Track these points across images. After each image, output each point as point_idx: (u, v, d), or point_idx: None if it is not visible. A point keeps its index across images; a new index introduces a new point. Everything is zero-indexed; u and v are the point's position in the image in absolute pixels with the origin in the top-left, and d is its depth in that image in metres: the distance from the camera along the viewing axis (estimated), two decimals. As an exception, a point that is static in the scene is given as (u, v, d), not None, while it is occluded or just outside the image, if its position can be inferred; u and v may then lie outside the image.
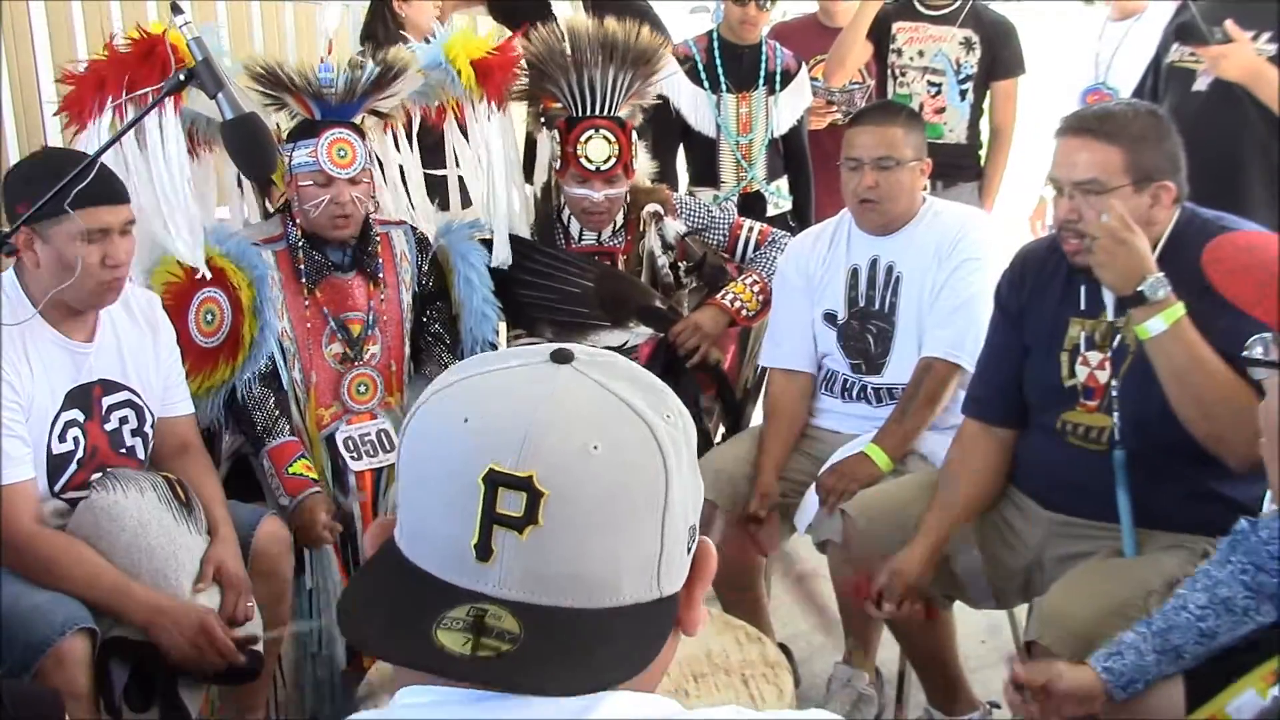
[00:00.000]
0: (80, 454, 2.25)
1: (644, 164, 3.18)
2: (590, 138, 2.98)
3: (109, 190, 2.19)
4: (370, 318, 2.79)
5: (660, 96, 3.50)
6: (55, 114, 2.60)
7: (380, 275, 2.82)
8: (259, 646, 2.25)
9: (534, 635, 0.75)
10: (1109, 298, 2.15)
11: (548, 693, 0.75)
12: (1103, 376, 2.19)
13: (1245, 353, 1.11)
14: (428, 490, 0.79)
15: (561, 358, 0.82)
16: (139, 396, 2.36)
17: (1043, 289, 2.29)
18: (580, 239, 3.15)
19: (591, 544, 0.77)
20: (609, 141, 2.98)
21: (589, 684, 0.75)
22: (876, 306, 2.81)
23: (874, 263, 2.81)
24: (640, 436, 0.79)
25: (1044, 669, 1.84)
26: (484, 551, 0.76)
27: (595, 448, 0.77)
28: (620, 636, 0.77)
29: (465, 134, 3.06)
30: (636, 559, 0.79)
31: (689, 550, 0.83)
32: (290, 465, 2.59)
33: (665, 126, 3.61)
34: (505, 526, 0.75)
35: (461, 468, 0.77)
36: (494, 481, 0.76)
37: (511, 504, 0.75)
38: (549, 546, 0.76)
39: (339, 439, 2.72)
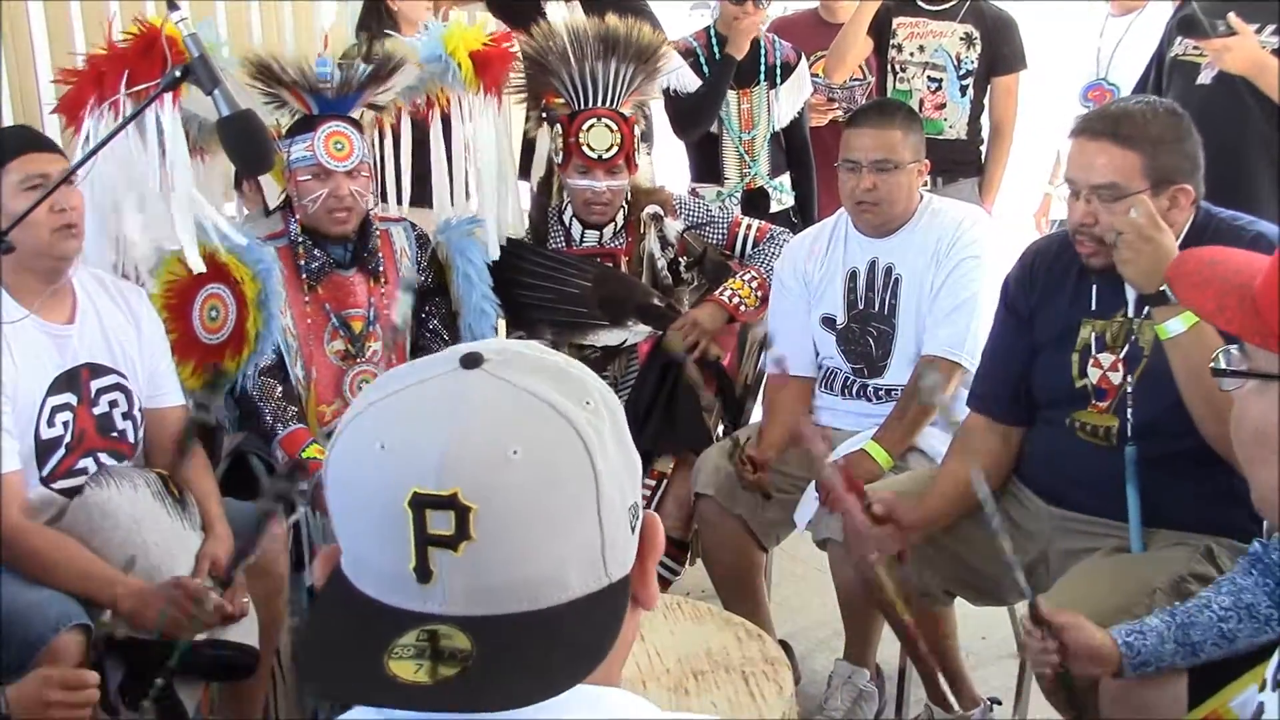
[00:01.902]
0: (68, 438, 2.24)
1: (645, 165, 3.18)
2: (592, 126, 2.97)
3: (38, 140, 2.24)
4: (372, 314, 2.79)
5: (667, 92, 3.51)
6: (52, 112, 2.59)
7: (381, 272, 2.81)
8: (254, 642, 2.24)
9: (486, 650, 0.74)
10: (1131, 295, 2.14)
11: (509, 706, 0.74)
12: (1115, 378, 2.17)
13: (1212, 364, 1.10)
14: (358, 520, 0.78)
15: (471, 362, 0.80)
16: (126, 380, 2.35)
17: (1054, 289, 2.27)
18: (581, 240, 3.14)
19: (529, 548, 0.76)
20: (611, 130, 2.98)
21: (550, 688, 0.74)
22: (876, 309, 2.80)
23: (873, 264, 2.79)
24: (560, 432, 0.78)
25: (1069, 614, 1.82)
26: (423, 574, 0.75)
27: (515, 453, 0.76)
28: (576, 630, 0.77)
29: (448, 129, 3.06)
30: (579, 552, 0.78)
31: (634, 529, 0.83)
32: (303, 451, 2.59)
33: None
34: (439, 546, 0.75)
35: (385, 495, 0.76)
36: (420, 504, 0.75)
37: (441, 523, 0.75)
38: (486, 558, 0.75)
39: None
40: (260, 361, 2.65)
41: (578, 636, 0.77)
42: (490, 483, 0.75)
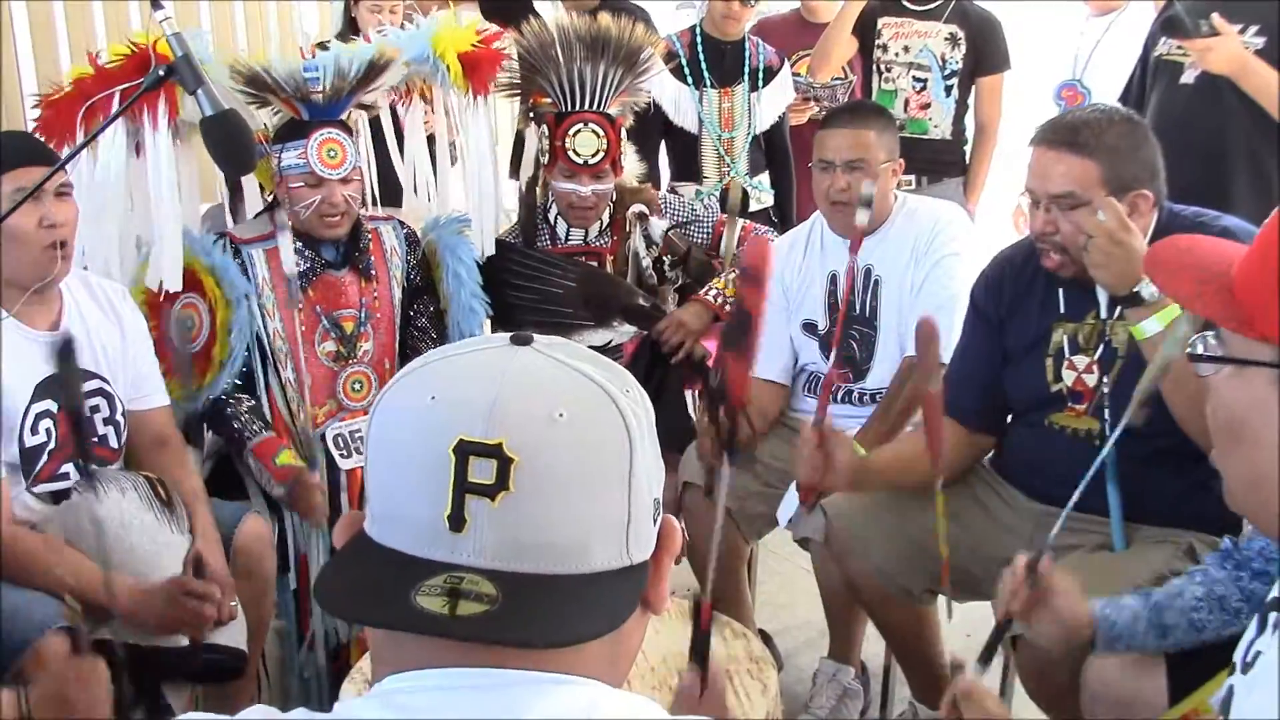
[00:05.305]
0: (51, 445, 2.23)
1: (632, 165, 3.18)
2: (579, 131, 2.97)
3: (34, 152, 2.21)
4: (363, 314, 2.78)
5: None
6: (34, 132, 2.56)
7: (372, 271, 2.81)
8: (242, 645, 2.24)
9: (511, 597, 0.76)
10: (1102, 297, 2.15)
11: (530, 644, 0.76)
12: (1091, 380, 2.18)
13: (1188, 350, 1.11)
14: (398, 470, 0.80)
15: (521, 341, 0.84)
16: (109, 385, 2.34)
17: (1023, 295, 2.29)
18: (567, 239, 3.15)
19: (562, 510, 0.78)
20: (597, 135, 2.97)
21: (569, 635, 0.77)
22: (858, 311, 2.80)
23: (852, 266, 2.79)
24: (603, 406, 0.81)
25: (1066, 581, 1.78)
26: (457, 522, 0.77)
27: (560, 415, 0.78)
28: (593, 600, 0.79)
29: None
30: (606, 525, 0.80)
31: (654, 521, 0.85)
32: (277, 456, 2.58)
33: (646, 125, 3.60)
34: (477, 494, 0.76)
35: (431, 442, 0.78)
36: (464, 451, 0.77)
37: (482, 471, 0.76)
38: (521, 512, 0.77)
39: (329, 436, 2.71)
40: (221, 389, 2.62)
41: (597, 605, 0.79)
42: (535, 438, 0.77)
